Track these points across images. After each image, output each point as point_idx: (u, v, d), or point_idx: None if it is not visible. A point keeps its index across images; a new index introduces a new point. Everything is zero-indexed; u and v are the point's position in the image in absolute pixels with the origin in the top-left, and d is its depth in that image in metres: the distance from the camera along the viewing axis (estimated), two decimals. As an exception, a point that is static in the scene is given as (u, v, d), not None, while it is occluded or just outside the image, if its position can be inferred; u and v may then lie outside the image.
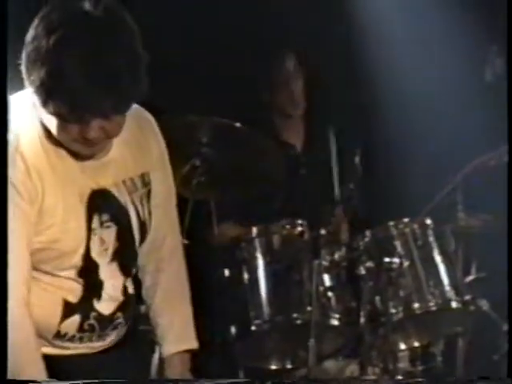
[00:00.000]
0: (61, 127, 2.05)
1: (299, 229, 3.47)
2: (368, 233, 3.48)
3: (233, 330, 3.42)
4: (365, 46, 4.27)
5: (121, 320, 2.37)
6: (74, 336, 2.30)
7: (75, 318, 2.28)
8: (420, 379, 3.51)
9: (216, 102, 3.93)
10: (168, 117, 3.10)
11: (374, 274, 3.36)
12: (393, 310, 3.38)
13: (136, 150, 2.32)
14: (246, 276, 3.45)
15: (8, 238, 2.03)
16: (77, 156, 2.18)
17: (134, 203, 2.31)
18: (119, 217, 2.29)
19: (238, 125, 3.37)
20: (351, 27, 4.28)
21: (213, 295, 3.53)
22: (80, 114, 2.00)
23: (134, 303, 2.43)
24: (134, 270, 2.42)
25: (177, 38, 4.14)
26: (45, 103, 2.00)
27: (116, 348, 2.41)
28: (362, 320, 3.31)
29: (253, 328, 3.37)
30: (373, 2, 4.26)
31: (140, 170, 2.33)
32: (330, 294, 3.39)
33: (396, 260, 3.37)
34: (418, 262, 3.43)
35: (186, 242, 3.09)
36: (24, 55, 1.99)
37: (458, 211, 3.68)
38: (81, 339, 2.31)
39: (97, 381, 2.14)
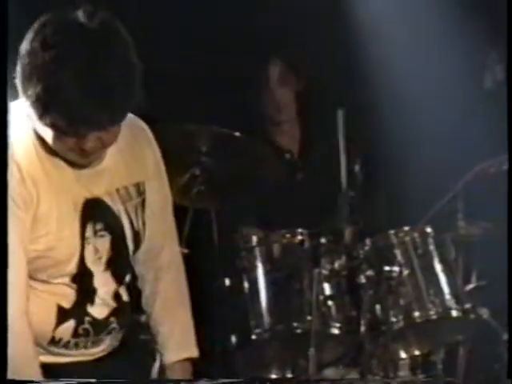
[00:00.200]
0: (57, 138, 2.06)
1: (299, 237, 3.47)
2: (368, 241, 3.47)
3: (233, 338, 3.42)
4: (364, 49, 4.27)
5: (115, 325, 2.38)
6: (68, 342, 2.31)
7: (70, 324, 2.29)
8: (421, 388, 3.51)
9: (212, 110, 3.94)
10: (167, 126, 3.12)
11: (375, 283, 3.36)
12: (393, 319, 3.37)
13: (130, 159, 2.32)
14: (246, 285, 3.45)
15: (8, 247, 2.03)
16: (73, 165, 2.18)
17: (127, 212, 2.32)
18: (113, 226, 2.29)
19: (236, 134, 3.38)
20: (349, 28, 4.28)
21: (213, 304, 3.53)
22: (77, 128, 2.01)
23: (128, 311, 2.44)
24: (127, 278, 2.42)
25: (175, 43, 4.15)
26: (41, 117, 2.00)
27: (113, 356, 2.42)
28: (363, 329, 3.31)
29: (253, 337, 3.37)
30: (373, 3, 4.26)
31: (134, 179, 2.34)
32: (330, 302, 3.38)
33: (396, 268, 3.37)
34: (419, 271, 3.43)
35: (185, 251, 3.10)
36: (19, 69, 1.99)
37: (458, 219, 3.66)
38: (76, 345, 2.32)
39: (94, 380, 2.16)
